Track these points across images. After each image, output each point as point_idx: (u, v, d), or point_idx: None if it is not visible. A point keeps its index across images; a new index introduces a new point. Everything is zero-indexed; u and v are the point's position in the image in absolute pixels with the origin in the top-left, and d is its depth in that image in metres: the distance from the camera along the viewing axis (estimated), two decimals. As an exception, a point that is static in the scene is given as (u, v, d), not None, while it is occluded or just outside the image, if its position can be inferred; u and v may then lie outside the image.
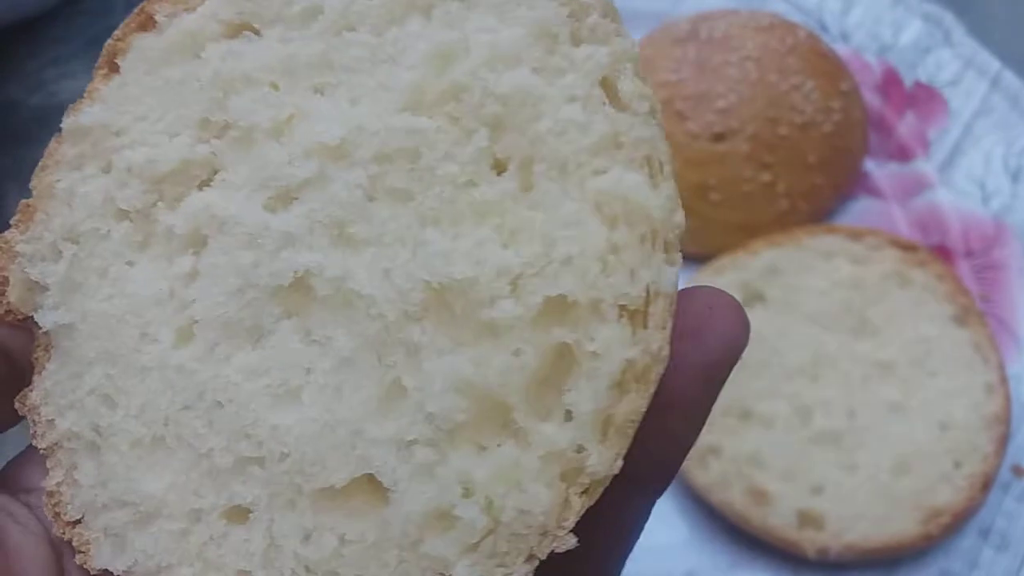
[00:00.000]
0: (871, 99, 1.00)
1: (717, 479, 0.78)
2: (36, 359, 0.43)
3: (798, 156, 0.89)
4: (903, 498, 0.75)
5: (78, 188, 0.42)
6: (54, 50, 1.19)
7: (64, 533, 0.42)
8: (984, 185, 0.94)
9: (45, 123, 1.14)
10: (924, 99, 1.00)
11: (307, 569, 0.39)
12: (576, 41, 0.38)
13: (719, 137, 0.90)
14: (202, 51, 0.41)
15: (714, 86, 0.90)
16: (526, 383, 0.37)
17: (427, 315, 0.38)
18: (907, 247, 0.85)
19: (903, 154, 0.98)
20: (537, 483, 0.36)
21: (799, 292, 0.85)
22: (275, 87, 0.40)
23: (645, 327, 0.36)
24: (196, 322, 0.40)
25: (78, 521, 0.42)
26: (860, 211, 0.96)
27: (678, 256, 0.37)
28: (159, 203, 0.41)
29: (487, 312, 0.36)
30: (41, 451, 0.43)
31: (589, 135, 0.37)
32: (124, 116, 0.42)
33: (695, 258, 0.94)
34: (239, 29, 0.41)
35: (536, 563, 0.36)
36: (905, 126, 0.99)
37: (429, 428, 0.37)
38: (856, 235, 0.86)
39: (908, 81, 1.01)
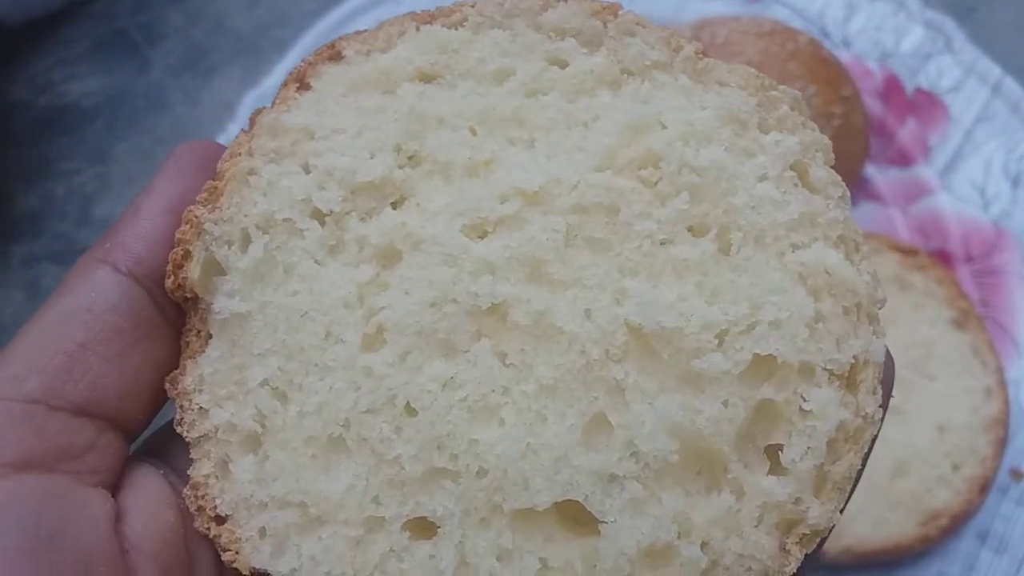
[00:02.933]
0: (872, 105, 1.01)
1: None
2: (187, 343, 0.43)
3: (799, 161, 0.90)
4: (901, 500, 0.75)
5: (279, 181, 0.43)
6: (61, 51, 1.20)
7: (208, 529, 0.41)
8: (984, 191, 0.95)
9: (52, 124, 1.15)
10: (925, 105, 1.00)
11: None
12: (765, 129, 0.44)
13: (721, 141, 0.90)
14: (396, 88, 0.45)
15: (716, 90, 0.91)
16: (734, 434, 0.40)
17: (628, 358, 0.41)
18: (907, 251, 0.85)
19: (904, 159, 0.99)
20: (757, 530, 0.40)
21: None
22: (473, 132, 0.44)
23: (856, 392, 0.41)
24: (386, 329, 0.41)
25: (225, 517, 0.41)
26: (861, 216, 0.97)
27: (883, 329, 0.43)
28: (352, 212, 0.43)
29: (696, 363, 0.41)
30: (186, 439, 0.42)
31: (786, 212, 0.43)
32: (323, 126, 0.44)
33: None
34: (431, 76, 0.45)
35: None
36: (906, 132, 1.00)
37: (637, 466, 0.40)
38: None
39: (909, 87, 1.02)
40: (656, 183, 0.43)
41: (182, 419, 0.42)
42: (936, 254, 0.91)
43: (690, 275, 0.42)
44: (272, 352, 0.42)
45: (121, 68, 1.18)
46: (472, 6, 0.46)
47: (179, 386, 0.42)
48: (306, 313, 0.42)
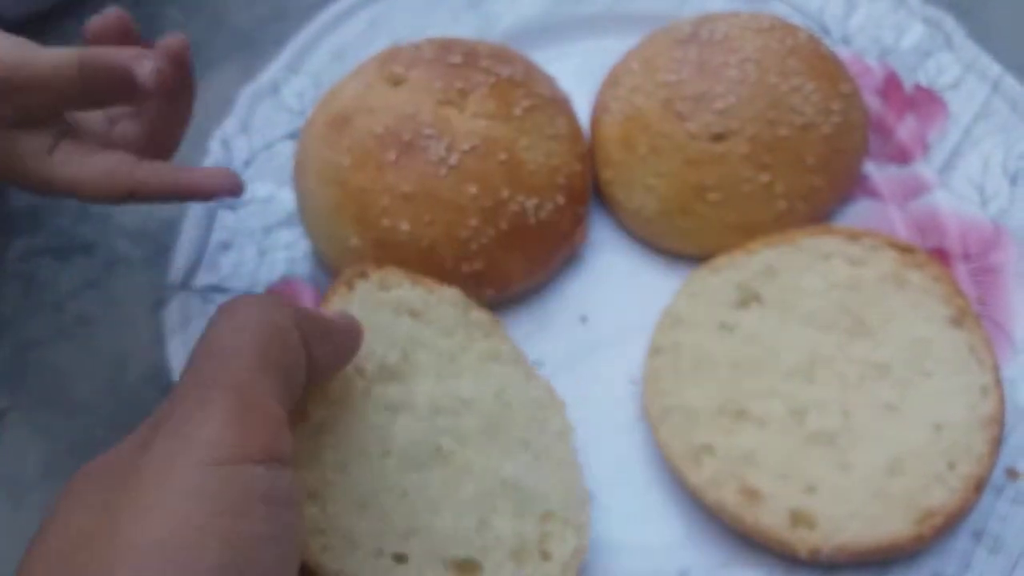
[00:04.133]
0: (872, 102, 1.01)
1: (710, 478, 0.78)
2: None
3: (797, 157, 0.90)
4: (896, 498, 0.74)
5: None
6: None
7: None
8: (983, 188, 0.95)
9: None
10: (924, 102, 1.00)
11: None
12: None
13: (718, 137, 0.90)
14: (400, 314, 0.78)
15: (714, 87, 0.91)
16: None
17: (499, 497, 0.76)
18: (905, 249, 0.85)
19: (903, 156, 0.99)
20: None
21: (796, 293, 0.84)
22: (438, 358, 0.78)
23: None
24: (390, 451, 0.70)
25: None
26: (859, 213, 0.96)
27: None
28: (381, 379, 0.73)
29: None
30: None
31: None
32: (366, 320, 0.70)
33: (693, 258, 0.94)
34: (417, 314, 0.79)
35: None
36: (905, 129, 0.99)
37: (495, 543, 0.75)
38: (854, 236, 0.86)
39: (908, 84, 1.01)
40: (514, 420, 0.81)
41: None
42: (934, 251, 0.91)
43: None
44: (336, 444, 0.69)
45: (119, 62, 1.18)
46: (438, 287, 0.82)
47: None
48: (354, 426, 0.70)
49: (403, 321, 0.76)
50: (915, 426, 0.77)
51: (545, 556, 0.75)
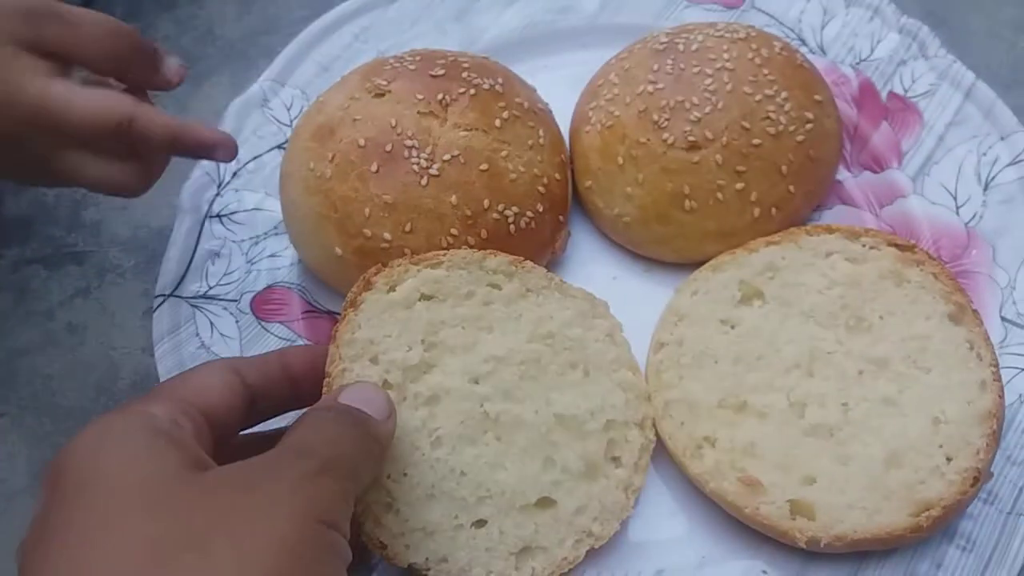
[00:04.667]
0: (847, 110, 1.02)
1: (711, 469, 0.80)
2: None
3: (771, 165, 0.91)
4: (894, 490, 0.76)
5: (363, 372, 0.76)
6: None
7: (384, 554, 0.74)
8: (956, 194, 0.96)
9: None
10: (899, 110, 1.02)
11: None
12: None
13: (694, 146, 0.92)
14: (413, 305, 0.79)
15: (689, 97, 0.92)
16: None
17: (556, 431, 0.81)
18: (904, 246, 0.85)
19: (877, 163, 1.00)
20: None
21: (796, 289, 0.86)
22: (463, 328, 0.80)
23: None
24: (441, 437, 0.76)
25: (385, 545, 0.74)
26: (834, 219, 0.98)
27: None
28: (407, 381, 0.77)
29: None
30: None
31: None
32: (377, 335, 0.77)
33: (673, 265, 0.96)
34: (430, 296, 0.80)
35: None
36: (880, 137, 1.01)
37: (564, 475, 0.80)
38: (854, 234, 0.87)
39: (884, 93, 1.03)
40: (554, 348, 0.83)
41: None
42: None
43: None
44: (387, 462, 0.74)
45: (111, 75, 1.20)
46: (444, 255, 0.82)
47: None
48: (398, 438, 0.73)
49: (417, 310, 0.79)
50: (913, 420, 0.78)
51: (616, 463, 0.82)
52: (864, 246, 0.87)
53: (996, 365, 0.79)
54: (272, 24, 1.25)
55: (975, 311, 0.82)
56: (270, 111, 1.08)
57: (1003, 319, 0.89)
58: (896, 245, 0.86)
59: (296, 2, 1.27)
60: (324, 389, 0.75)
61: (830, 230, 0.89)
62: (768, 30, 1.06)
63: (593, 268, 0.99)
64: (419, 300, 0.81)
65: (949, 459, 0.76)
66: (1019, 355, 0.87)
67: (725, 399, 0.83)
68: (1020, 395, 0.85)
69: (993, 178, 0.96)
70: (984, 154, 0.97)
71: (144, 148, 0.83)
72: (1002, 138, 0.97)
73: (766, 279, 0.88)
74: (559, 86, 1.06)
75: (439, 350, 0.79)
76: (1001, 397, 0.78)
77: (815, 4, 1.10)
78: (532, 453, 0.79)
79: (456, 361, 0.79)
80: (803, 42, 1.07)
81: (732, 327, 0.87)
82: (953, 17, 1.19)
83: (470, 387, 0.79)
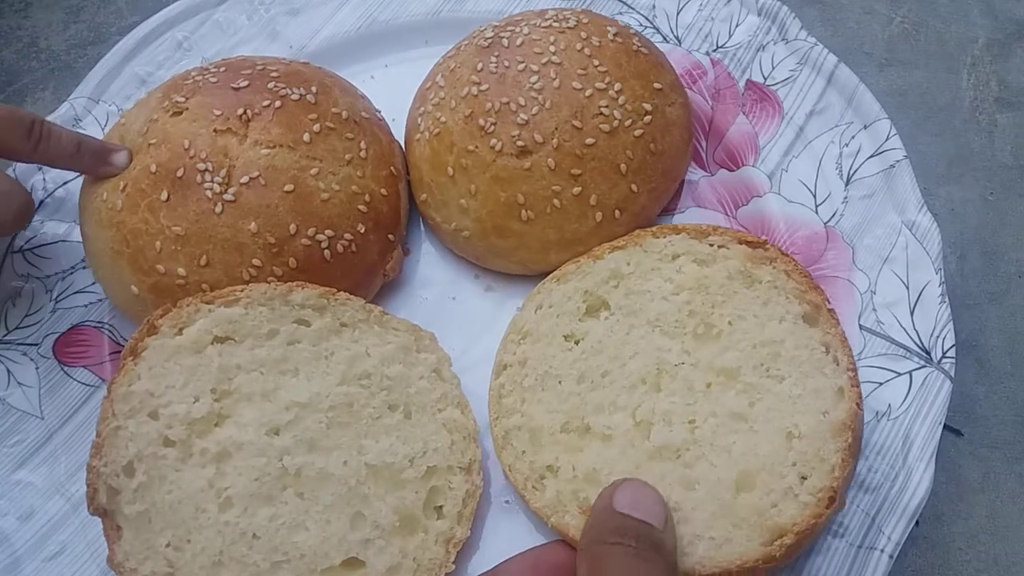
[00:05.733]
0: (703, 104, 0.94)
1: (552, 502, 0.73)
2: (108, 535, 0.69)
3: (609, 164, 0.83)
4: (745, 517, 0.69)
5: (139, 429, 0.70)
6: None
7: None
8: (815, 190, 0.89)
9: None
10: (757, 100, 0.94)
11: None
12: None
13: (524, 152, 0.83)
14: (203, 350, 0.72)
15: (515, 97, 0.84)
16: None
17: (368, 483, 0.73)
18: (754, 244, 0.78)
19: (733, 160, 0.92)
20: None
21: (642, 297, 0.79)
22: (261, 373, 0.73)
23: None
24: (232, 497, 0.69)
25: None
26: (688, 222, 0.90)
27: None
28: (193, 436, 0.71)
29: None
30: None
31: None
32: (158, 386, 0.71)
33: (522, 277, 0.88)
34: (224, 338, 0.73)
35: None
36: (736, 130, 0.93)
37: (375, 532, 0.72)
38: (701, 233, 0.80)
39: (741, 82, 0.95)
40: (370, 389, 0.76)
41: None
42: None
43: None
44: (167, 527, 0.69)
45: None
46: (241, 291, 0.74)
47: (114, 561, 0.68)
48: (180, 501, 0.69)
49: (209, 355, 0.72)
50: (765, 436, 0.71)
51: (438, 513, 0.75)
52: (713, 245, 0.79)
53: (854, 369, 0.72)
54: (100, 33, 1.15)
55: (831, 310, 0.74)
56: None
57: (862, 327, 0.82)
58: (746, 243, 0.78)
59: (128, 7, 1.17)
60: (92, 451, 0.68)
61: (677, 230, 0.81)
62: (621, 19, 0.97)
63: (433, 289, 0.91)
64: (212, 343, 0.73)
65: (803, 478, 0.69)
66: (878, 368, 0.79)
67: (568, 422, 0.76)
68: (877, 412, 0.78)
69: (855, 171, 0.88)
70: (846, 145, 0.89)
71: (48, 154, 0.83)
72: (865, 126, 0.89)
73: (611, 288, 0.80)
74: (400, 87, 0.97)
75: (232, 399, 0.72)
76: (859, 406, 0.70)
77: (670, -14, 1.01)
78: (339, 509, 0.72)
79: (252, 410, 0.72)
80: (656, 30, 0.99)
81: (576, 342, 0.79)
82: (826, -8, 1.11)
83: (267, 440, 0.72)
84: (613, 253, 0.82)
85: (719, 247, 0.79)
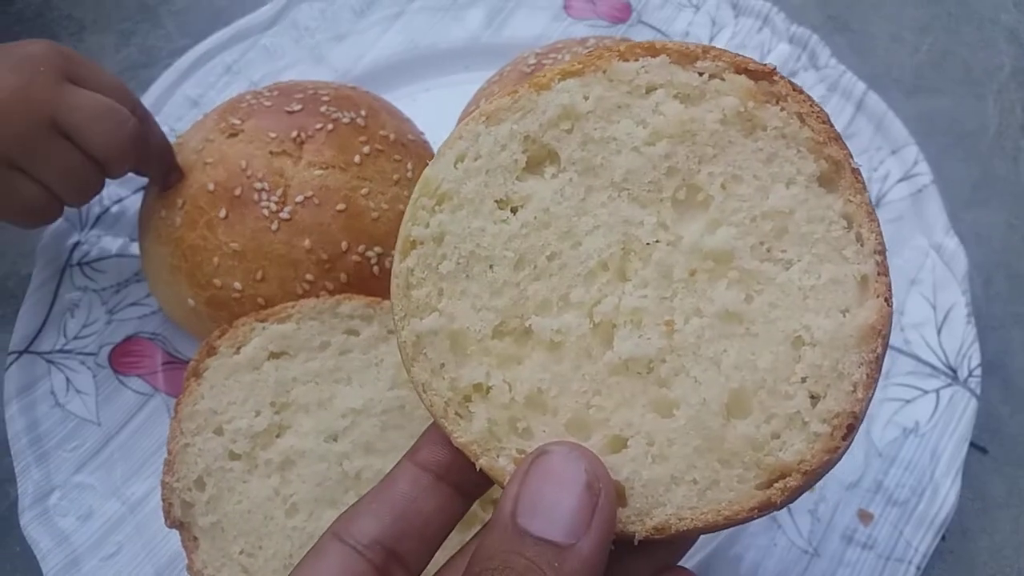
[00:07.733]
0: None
1: (482, 434, 0.53)
2: (186, 545, 0.74)
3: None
4: (737, 451, 0.49)
5: (206, 445, 0.74)
6: None
7: None
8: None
9: None
10: (788, 125, 0.97)
11: None
12: None
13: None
14: (261, 366, 0.76)
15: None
16: None
17: None
18: (759, 74, 0.54)
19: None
20: None
21: (604, 147, 0.55)
22: (316, 384, 0.76)
23: None
24: (297, 504, 0.73)
25: None
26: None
27: None
28: (256, 448, 0.75)
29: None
30: None
31: None
32: (220, 404, 0.75)
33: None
34: (279, 354, 0.76)
35: None
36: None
37: None
38: (687, 56, 0.54)
39: (773, 107, 0.98)
40: None
41: None
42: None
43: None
44: (239, 535, 0.73)
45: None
46: (293, 307, 0.77)
47: (193, 569, 0.72)
48: (249, 510, 0.74)
49: (266, 371, 0.76)
50: (765, 342, 0.51)
51: (494, 507, 0.80)
52: (703, 75, 0.54)
53: (882, 252, 0.51)
54: (151, 56, 1.20)
55: (856, 171, 0.52)
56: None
57: (889, 347, 0.84)
58: (747, 71, 0.54)
59: (177, 31, 1.22)
60: (164, 468, 0.72)
61: (653, 50, 0.55)
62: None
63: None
64: (268, 359, 0.77)
65: (814, 398, 0.50)
66: (906, 386, 0.82)
67: (503, 324, 0.54)
68: (904, 429, 0.80)
69: (884, 195, 0.91)
70: (875, 170, 0.92)
71: (141, 152, 0.86)
72: (893, 152, 0.93)
73: (561, 133, 0.55)
74: (441, 111, 1.01)
75: (291, 410, 0.76)
76: (888, 303, 0.50)
77: (703, 16, 1.05)
78: None
79: (310, 420, 0.76)
80: (690, 56, 1.02)
81: (514, 211, 0.55)
82: (855, 21, 1.14)
83: (326, 446, 0.76)
84: (565, 81, 0.55)
85: (711, 77, 0.54)
